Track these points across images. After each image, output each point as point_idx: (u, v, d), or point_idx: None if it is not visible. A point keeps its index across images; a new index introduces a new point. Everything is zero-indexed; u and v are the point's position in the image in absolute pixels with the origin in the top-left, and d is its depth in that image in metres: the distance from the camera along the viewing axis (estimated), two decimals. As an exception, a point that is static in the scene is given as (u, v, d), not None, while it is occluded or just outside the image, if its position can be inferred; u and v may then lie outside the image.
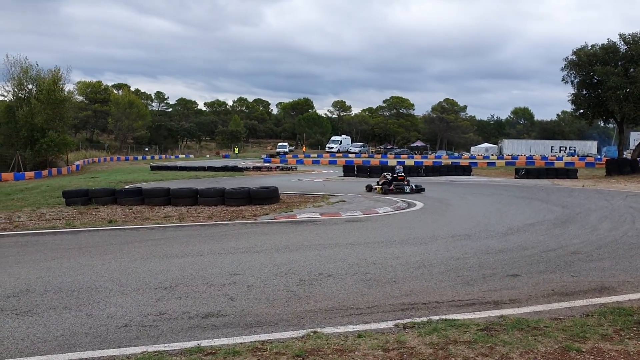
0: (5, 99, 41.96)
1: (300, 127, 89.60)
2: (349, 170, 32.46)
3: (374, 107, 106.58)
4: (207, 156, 70.30)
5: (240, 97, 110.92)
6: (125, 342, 4.31)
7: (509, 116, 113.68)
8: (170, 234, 10.30)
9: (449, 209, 14.21)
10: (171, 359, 3.95)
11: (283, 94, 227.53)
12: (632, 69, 32.01)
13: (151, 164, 44.80)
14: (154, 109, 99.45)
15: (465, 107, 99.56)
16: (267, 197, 15.05)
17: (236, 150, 74.21)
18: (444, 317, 4.87)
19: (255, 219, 12.04)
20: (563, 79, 34.96)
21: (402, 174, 19.42)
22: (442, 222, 11.76)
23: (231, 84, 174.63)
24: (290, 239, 9.62)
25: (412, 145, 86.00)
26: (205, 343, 4.25)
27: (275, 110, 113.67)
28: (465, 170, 33.82)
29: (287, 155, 61.24)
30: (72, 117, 51.64)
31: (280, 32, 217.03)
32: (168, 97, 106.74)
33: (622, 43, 32.67)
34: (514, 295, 5.71)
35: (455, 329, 4.51)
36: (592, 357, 3.97)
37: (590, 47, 33.66)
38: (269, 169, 38.85)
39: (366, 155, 67.70)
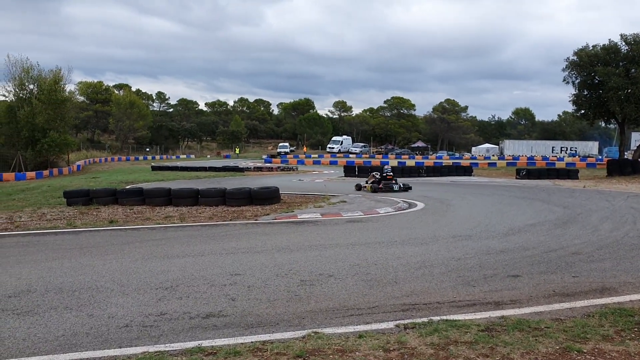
0: (7, 99, 42.09)
1: (301, 127, 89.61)
2: (349, 170, 32.46)
3: (375, 108, 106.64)
4: (208, 156, 70.37)
5: (241, 98, 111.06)
6: (126, 342, 4.31)
7: (510, 117, 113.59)
8: (171, 234, 10.30)
9: (449, 209, 14.20)
10: (172, 359, 3.95)
11: (284, 94, 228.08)
12: (633, 70, 31.99)
13: (152, 164, 44.86)
14: (155, 109, 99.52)
15: (466, 107, 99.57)
16: (268, 197, 15.05)
17: (237, 151, 74.26)
18: (444, 317, 4.87)
19: (256, 219, 12.04)
20: (564, 80, 34.95)
21: (391, 173, 20.23)
22: (443, 222, 11.76)
23: (232, 84, 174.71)
24: (291, 239, 9.62)
25: (413, 145, 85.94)
26: (206, 343, 4.25)
27: (276, 111, 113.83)
28: (466, 171, 33.81)
29: (288, 156, 61.28)
30: (73, 118, 51.75)
31: (281, 33, 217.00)
32: (169, 97, 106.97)
33: (624, 43, 32.64)
34: (514, 295, 5.71)
35: (456, 330, 4.51)
36: (593, 357, 3.97)
37: (591, 48, 33.63)
38: (270, 169, 38.87)
39: (367, 155, 67.70)
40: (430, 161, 52.22)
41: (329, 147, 74.18)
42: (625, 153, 41.61)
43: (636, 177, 29.51)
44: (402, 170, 32.88)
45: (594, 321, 4.79)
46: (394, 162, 47.48)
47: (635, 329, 4.58)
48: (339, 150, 71.82)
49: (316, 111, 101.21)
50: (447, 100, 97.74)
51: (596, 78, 33.31)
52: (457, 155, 71.94)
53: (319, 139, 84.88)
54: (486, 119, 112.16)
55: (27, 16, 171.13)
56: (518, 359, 3.93)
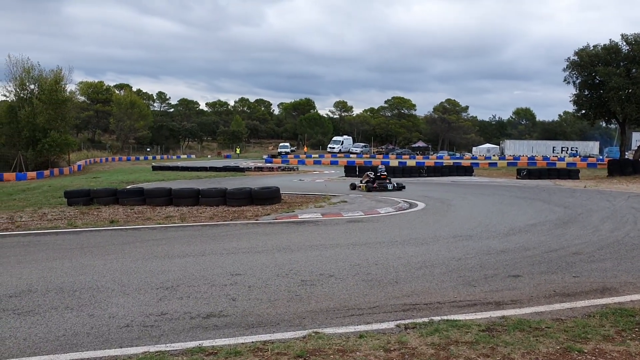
0: (7, 99, 42.15)
1: (302, 127, 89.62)
2: (350, 170, 32.44)
3: (376, 108, 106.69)
4: (209, 156, 70.38)
5: (242, 98, 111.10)
6: (126, 342, 4.31)
7: (511, 117, 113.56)
8: (171, 234, 10.31)
9: (450, 209, 14.20)
10: (173, 359, 3.95)
11: (284, 94, 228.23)
12: (634, 70, 31.97)
13: (153, 164, 44.89)
14: (155, 109, 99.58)
15: (467, 107, 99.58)
16: (269, 197, 15.05)
17: (238, 151, 74.27)
18: (445, 317, 4.87)
19: (256, 219, 12.04)
20: (565, 80, 34.94)
21: (385, 173, 20.91)
22: (443, 222, 11.75)
23: (233, 84, 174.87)
24: (292, 239, 9.62)
25: (413, 145, 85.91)
26: (206, 343, 4.26)
27: (276, 111, 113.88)
28: (467, 171, 33.81)
29: (288, 156, 61.33)
30: (74, 117, 51.80)
31: (282, 33, 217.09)
32: (170, 97, 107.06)
33: (624, 44, 32.62)
34: (515, 295, 5.71)
35: (456, 330, 4.51)
36: (593, 358, 3.97)
37: (592, 48, 33.61)
38: (271, 169, 38.89)
39: (368, 155, 67.65)
40: (430, 161, 52.21)
41: (330, 147, 74.16)
42: (626, 153, 41.60)
43: (637, 177, 29.50)
44: (403, 170, 32.89)
45: (594, 321, 4.79)
46: (394, 162, 47.60)
47: (636, 329, 4.57)
48: (340, 150, 71.81)
49: (317, 111, 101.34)
50: (448, 100, 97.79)
51: (597, 78, 33.29)
52: (457, 155, 71.90)
53: (320, 139, 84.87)
54: (487, 119, 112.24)
55: (28, 16, 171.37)
56: (519, 359, 3.93)
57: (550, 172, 31.10)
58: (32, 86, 41.12)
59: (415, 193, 18.73)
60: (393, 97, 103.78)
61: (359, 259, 7.65)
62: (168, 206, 14.70)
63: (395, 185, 20.32)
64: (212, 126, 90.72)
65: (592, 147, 73.55)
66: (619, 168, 31.83)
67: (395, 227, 11.09)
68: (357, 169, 32.67)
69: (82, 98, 78.84)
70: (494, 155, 68.44)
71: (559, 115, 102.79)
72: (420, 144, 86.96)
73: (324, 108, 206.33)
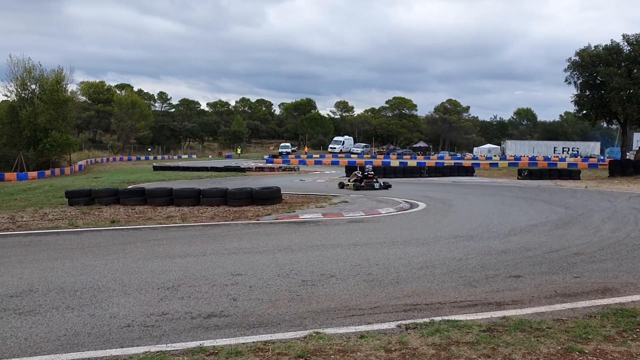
0: (9, 99, 42.10)
1: (303, 127, 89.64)
2: (351, 170, 32.35)
3: (377, 108, 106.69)
4: (210, 156, 70.39)
5: (243, 98, 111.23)
6: (127, 342, 4.32)
7: (512, 117, 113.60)
8: (172, 234, 10.31)
9: (451, 209, 14.19)
10: (173, 359, 3.95)
11: (285, 95, 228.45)
12: (635, 70, 31.96)
13: (154, 164, 44.89)
14: (156, 109, 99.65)
15: (468, 107, 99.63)
16: (270, 197, 15.05)
17: (239, 151, 74.27)
18: (446, 318, 4.87)
19: (257, 220, 12.04)
20: (566, 80, 34.96)
21: (372, 172, 21.86)
22: (444, 222, 11.75)
23: (234, 84, 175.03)
24: (293, 239, 9.62)
25: (414, 145, 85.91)
26: (207, 343, 4.26)
27: (277, 111, 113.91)
28: (468, 171, 33.78)
29: (289, 156, 61.32)
30: (75, 117, 51.71)
31: (283, 33, 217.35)
32: (171, 97, 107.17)
33: (626, 44, 32.63)
34: (516, 296, 5.71)
35: (457, 330, 4.51)
36: (594, 358, 3.97)
37: (593, 48, 33.61)
38: (272, 169, 38.87)
39: (368, 155, 67.62)
40: (431, 161, 52.26)
41: (331, 148, 74.16)
42: (627, 153, 41.60)
43: (638, 177, 29.46)
44: (404, 171, 32.91)
45: (595, 322, 4.79)
46: (395, 162, 47.60)
47: (637, 330, 4.57)
48: (341, 150, 71.82)
49: (318, 111, 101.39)
50: (449, 101, 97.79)
51: (598, 78, 33.30)
52: (458, 155, 71.87)
53: (321, 139, 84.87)
54: (488, 119, 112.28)
55: (29, 16, 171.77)
56: (520, 359, 3.93)
57: (551, 172, 31.08)
58: (33, 86, 41.10)
59: (416, 193, 18.72)
60: (394, 97, 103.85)
61: (360, 259, 7.64)
62: (169, 206, 14.70)
63: (382, 184, 21.04)
64: (213, 126, 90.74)
65: (593, 148, 73.49)
66: (620, 168, 31.79)
67: (396, 227, 11.08)
68: (358, 169, 32.62)
69: (83, 98, 78.83)
70: (495, 156, 68.41)
71: (560, 115, 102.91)
72: (421, 144, 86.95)
73: (325, 108, 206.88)
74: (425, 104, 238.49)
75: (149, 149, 72.26)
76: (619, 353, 4.06)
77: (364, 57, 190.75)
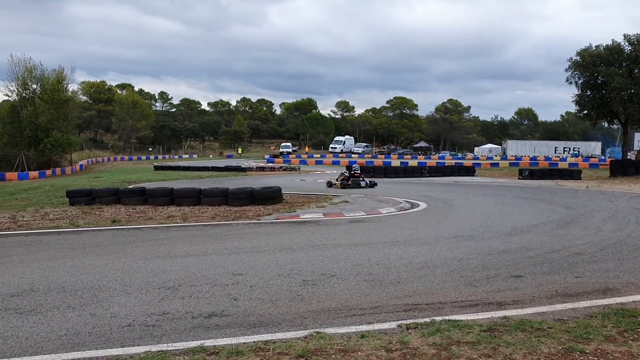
0: (10, 98, 42.14)
1: (304, 127, 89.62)
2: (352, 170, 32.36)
3: (378, 108, 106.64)
4: (211, 156, 70.40)
5: (244, 97, 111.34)
6: (128, 342, 4.32)
7: (513, 117, 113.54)
8: (173, 233, 10.31)
9: (452, 209, 14.19)
10: (174, 359, 3.95)
11: (286, 94, 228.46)
12: (636, 70, 31.95)
13: (155, 164, 44.88)
14: (157, 109, 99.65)
15: (469, 107, 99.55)
16: (271, 197, 15.05)
17: (239, 151, 74.29)
18: (447, 317, 4.86)
19: (258, 219, 12.04)
20: (567, 80, 34.94)
21: (359, 171, 22.89)
22: (445, 222, 11.74)
23: (234, 84, 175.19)
24: (294, 239, 9.62)
25: (415, 145, 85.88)
26: (208, 343, 4.26)
27: (278, 111, 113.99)
28: (469, 171, 33.77)
29: (290, 156, 61.30)
30: (76, 117, 51.71)
31: (284, 32, 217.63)
32: (172, 97, 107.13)
33: (627, 44, 32.60)
34: (517, 296, 5.70)
35: (458, 330, 4.51)
36: (595, 358, 3.97)
37: (594, 48, 33.60)
38: (272, 169, 38.86)
39: (369, 155, 67.66)
40: (432, 161, 52.21)
41: (332, 147, 74.12)
42: (629, 153, 41.50)
43: (639, 177, 29.43)
44: (405, 171, 32.89)
45: (596, 322, 4.78)
46: (396, 162, 47.56)
47: (638, 330, 4.57)
48: (342, 150, 71.78)
49: (319, 111, 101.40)
50: (450, 101, 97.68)
51: (599, 78, 33.28)
52: (459, 155, 71.86)
53: (322, 139, 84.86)
54: (489, 119, 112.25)
55: (30, 15, 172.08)
56: (520, 359, 3.93)
57: (552, 172, 31.05)
58: (34, 86, 41.15)
59: (417, 193, 18.71)
60: (395, 97, 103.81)
61: (361, 259, 7.64)
62: (170, 206, 14.71)
63: (368, 182, 22.03)
64: (214, 126, 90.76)
65: (594, 148, 73.43)
66: (621, 168, 31.77)
67: (397, 227, 11.08)
68: (359, 169, 32.58)
69: (84, 98, 78.79)
70: (495, 156, 68.39)
71: (561, 115, 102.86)
72: (422, 144, 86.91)
73: (326, 108, 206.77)
74: (426, 104, 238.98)
75: (150, 149, 72.28)
76: (620, 353, 4.05)
77: (364, 57, 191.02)
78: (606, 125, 57.59)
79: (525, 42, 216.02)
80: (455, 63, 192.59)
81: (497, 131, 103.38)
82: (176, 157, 67.79)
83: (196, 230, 10.71)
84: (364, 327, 4.63)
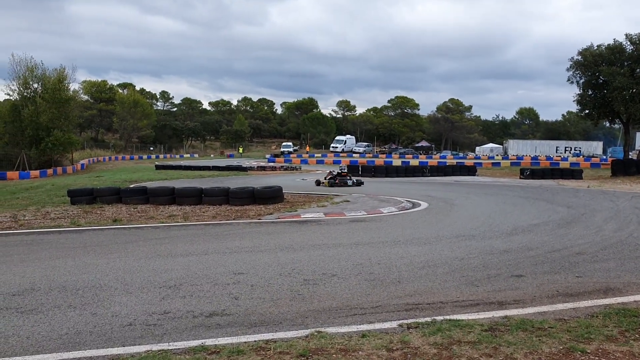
0: (11, 97, 42.19)
1: (305, 126, 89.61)
2: (353, 170, 32.34)
3: (379, 107, 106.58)
4: (212, 156, 70.42)
5: (245, 97, 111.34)
6: (129, 341, 4.32)
7: (514, 116, 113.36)
8: (174, 233, 10.32)
9: (453, 209, 14.18)
10: (175, 358, 3.95)
11: (287, 94, 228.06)
12: (638, 70, 31.96)
13: (156, 163, 44.86)
14: (158, 108, 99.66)
15: (470, 107, 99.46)
16: (271, 196, 15.05)
17: (240, 150, 74.30)
18: (448, 317, 4.86)
19: (259, 219, 12.05)
20: (568, 79, 34.92)
21: (345, 170, 23.79)
22: (446, 222, 11.74)
23: (236, 83, 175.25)
24: (295, 238, 9.62)
25: (416, 145, 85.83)
26: (209, 342, 4.26)
27: (279, 110, 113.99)
28: (470, 171, 33.76)
29: (291, 155, 61.29)
30: (77, 116, 51.74)
31: (285, 31, 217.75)
32: (173, 96, 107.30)
33: (629, 43, 32.58)
34: (518, 295, 5.70)
35: (459, 329, 4.50)
36: (596, 358, 3.96)
37: (596, 48, 33.58)
38: (273, 168, 38.89)
39: (370, 155, 67.64)
40: (434, 161, 52.24)
41: (333, 147, 74.10)
42: (630, 153, 41.49)
43: (641, 177, 29.41)
44: (406, 170, 32.89)
45: (597, 321, 4.78)
46: (397, 162, 47.54)
47: (640, 330, 4.56)
48: (343, 149, 71.74)
49: (320, 110, 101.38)
50: (451, 100, 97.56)
51: (601, 78, 33.25)
52: (461, 154, 71.81)
53: (323, 139, 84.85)
54: (490, 119, 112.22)
55: (30, 14, 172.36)
56: (521, 359, 3.93)
57: (553, 172, 31.03)
58: (35, 85, 41.18)
59: (418, 192, 18.71)
60: (396, 97, 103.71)
61: (362, 258, 7.64)
62: (171, 205, 14.71)
63: (355, 181, 22.78)
64: (215, 125, 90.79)
65: (595, 147, 73.33)
66: (623, 168, 31.74)
67: (398, 226, 11.08)
68: (360, 168, 32.66)
69: (86, 97, 78.90)
70: (497, 155, 68.33)
71: (563, 115, 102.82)
72: (424, 143, 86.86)
73: (327, 107, 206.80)
74: (427, 103, 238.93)
75: (151, 148, 72.33)
76: (621, 353, 4.05)
77: (366, 56, 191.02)
78: (608, 124, 57.62)
79: (526, 42, 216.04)
80: (456, 63, 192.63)
81: (499, 131, 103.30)
82: (177, 156, 67.78)
83: (197, 230, 10.71)
84: (365, 327, 4.63)
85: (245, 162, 45.89)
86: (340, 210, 13.44)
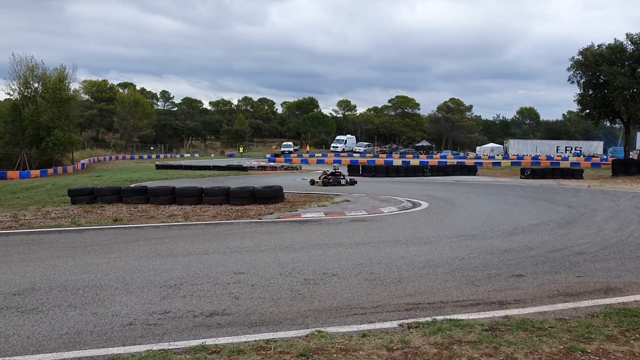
0: (11, 97, 42.18)
1: (305, 126, 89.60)
2: (353, 169, 32.44)
3: (379, 107, 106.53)
4: (212, 155, 70.44)
5: (245, 97, 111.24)
6: (130, 341, 4.32)
7: (515, 116, 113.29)
8: (175, 232, 10.32)
9: (454, 208, 14.18)
10: (176, 358, 3.95)
11: (288, 93, 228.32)
12: (639, 69, 31.91)
13: (156, 162, 44.87)
14: (159, 108, 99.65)
15: (471, 106, 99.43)
16: (272, 196, 15.05)
17: (241, 150, 74.30)
18: (448, 317, 4.86)
19: (259, 218, 12.05)
20: (569, 79, 34.89)
21: (339, 170, 24.10)
22: (447, 222, 11.73)
23: (236, 82, 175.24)
24: (295, 238, 9.62)
25: (417, 144, 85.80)
26: (209, 342, 4.26)
27: (280, 110, 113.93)
28: (471, 170, 33.74)
29: (291, 155, 61.30)
30: (78, 116, 51.75)
31: (285, 31, 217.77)
32: (173, 96, 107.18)
33: (629, 43, 32.53)
34: (518, 295, 5.70)
35: (459, 329, 4.50)
36: (597, 358, 3.96)
37: (596, 47, 33.54)
38: (274, 168, 38.88)
39: (371, 154, 67.62)
40: (434, 160, 52.22)
41: (333, 146, 74.11)
42: (631, 153, 41.48)
43: (641, 177, 29.38)
44: (407, 170, 32.87)
45: (598, 321, 4.78)
46: (398, 161, 47.52)
47: (640, 330, 4.56)
48: (343, 149, 71.76)
49: (320, 110, 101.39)
50: (452, 100, 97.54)
51: (601, 77, 33.22)
52: (461, 154, 71.79)
53: (323, 138, 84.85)
54: (491, 119, 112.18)
55: (31, 14, 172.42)
56: (522, 358, 3.92)
57: (554, 171, 31.00)
58: (36, 85, 41.16)
59: (419, 192, 18.70)
60: (397, 96, 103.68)
61: (362, 258, 7.64)
62: (171, 205, 14.72)
63: (348, 180, 23.18)
64: (216, 125, 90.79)
65: (596, 147, 73.32)
66: (623, 168, 31.71)
67: (398, 226, 11.07)
68: (360, 168, 32.66)
69: (86, 97, 78.85)
70: (497, 155, 68.34)
71: (563, 114, 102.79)
72: (424, 143, 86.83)
73: (328, 107, 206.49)
74: (428, 103, 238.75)
75: (152, 148, 72.34)
76: (621, 352, 4.04)
77: (366, 56, 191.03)
78: (608, 124, 57.61)
79: (526, 42, 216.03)
80: (456, 62, 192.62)
81: (499, 130, 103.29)
82: (178, 156, 67.78)
83: (198, 229, 10.71)
84: (365, 326, 4.63)
85: (246, 162, 45.89)
86: (341, 210, 13.44)
